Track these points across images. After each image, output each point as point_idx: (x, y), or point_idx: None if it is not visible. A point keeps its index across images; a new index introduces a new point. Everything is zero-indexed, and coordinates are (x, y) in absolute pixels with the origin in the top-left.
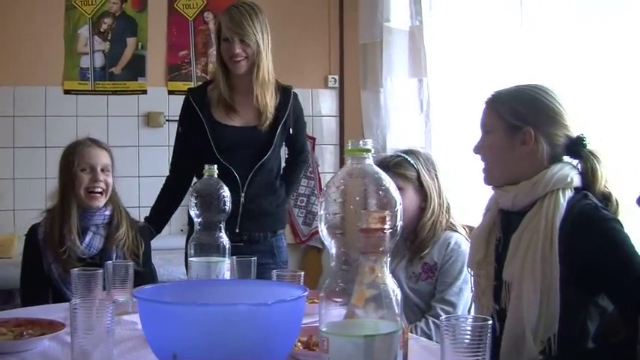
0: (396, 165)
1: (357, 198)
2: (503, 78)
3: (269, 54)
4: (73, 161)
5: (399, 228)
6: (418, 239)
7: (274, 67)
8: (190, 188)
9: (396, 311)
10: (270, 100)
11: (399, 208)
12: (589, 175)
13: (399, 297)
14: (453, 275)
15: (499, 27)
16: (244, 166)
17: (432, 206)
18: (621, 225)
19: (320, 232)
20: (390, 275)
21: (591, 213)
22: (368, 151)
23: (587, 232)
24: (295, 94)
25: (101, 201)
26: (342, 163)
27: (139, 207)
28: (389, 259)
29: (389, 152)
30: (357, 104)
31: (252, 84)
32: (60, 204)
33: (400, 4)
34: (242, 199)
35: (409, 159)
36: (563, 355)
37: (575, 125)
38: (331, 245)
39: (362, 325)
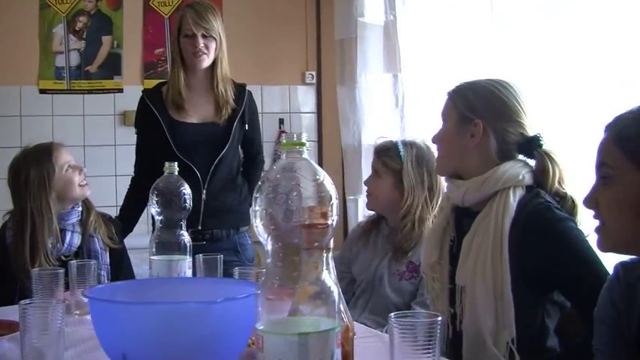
0: (382, 150)
1: (294, 193)
2: (476, 72)
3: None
4: (54, 167)
5: (335, 222)
6: (399, 236)
7: (252, 63)
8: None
9: (336, 308)
10: (230, 94)
11: (335, 202)
12: (541, 173)
13: (337, 293)
14: None
15: (470, 22)
16: (204, 162)
17: (408, 201)
18: (574, 222)
19: (255, 228)
20: (328, 272)
21: (543, 213)
22: (302, 144)
23: (539, 232)
24: (250, 92)
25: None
26: (320, 159)
27: (117, 206)
28: (329, 254)
29: (364, 147)
30: (334, 100)
31: (209, 80)
32: (30, 217)
33: None
34: (204, 196)
35: (400, 149)
36: None
37: (533, 125)
38: (267, 242)
39: (299, 322)
